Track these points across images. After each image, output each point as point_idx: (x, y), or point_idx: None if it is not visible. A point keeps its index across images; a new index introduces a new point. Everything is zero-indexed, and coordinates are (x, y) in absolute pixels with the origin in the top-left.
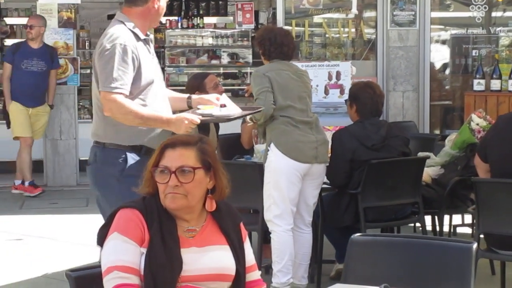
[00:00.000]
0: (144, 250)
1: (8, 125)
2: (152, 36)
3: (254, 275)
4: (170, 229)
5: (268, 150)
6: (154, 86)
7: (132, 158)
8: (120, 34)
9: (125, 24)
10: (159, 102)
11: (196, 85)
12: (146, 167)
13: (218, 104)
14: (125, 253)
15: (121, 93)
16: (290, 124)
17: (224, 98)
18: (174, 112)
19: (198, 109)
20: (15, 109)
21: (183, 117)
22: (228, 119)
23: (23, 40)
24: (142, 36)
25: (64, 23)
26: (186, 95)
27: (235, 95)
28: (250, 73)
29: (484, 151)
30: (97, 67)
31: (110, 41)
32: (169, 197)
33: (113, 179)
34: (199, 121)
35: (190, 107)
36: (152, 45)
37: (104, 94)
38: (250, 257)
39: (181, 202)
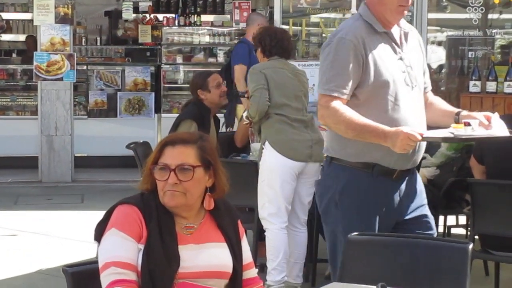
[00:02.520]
0: (141, 246)
1: None
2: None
3: (251, 272)
4: (168, 225)
5: (262, 148)
6: (389, 90)
7: (358, 178)
8: (346, 26)
9: (361, 15)
10: (396, 110)
11: (199, 84)
12: (145, 163)
13: (476, 123)
14: (122, 249)
15: (336, 97)
16: (285, 122)
17: (496, 118)
18: (429, 128)
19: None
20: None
21: (399, 131)
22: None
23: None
24: (381, 29)
25: (61, 19)
26: (456, 110)
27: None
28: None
29: (479, 153)
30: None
31: (332, 34)
32: (168, 195)
33: (332, 200)
34: (419, 138)
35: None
36: (408, 40)
37: (319, 97)
38: (247, 254)
39: (180, 200)
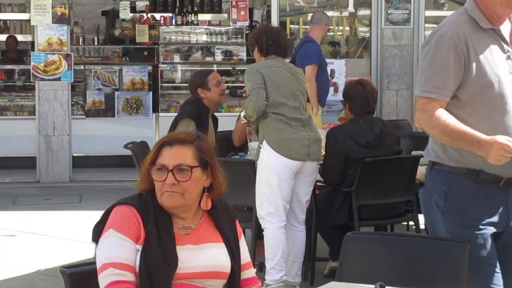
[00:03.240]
0: (139, 247)
1: None
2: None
3: (249, 272)
4: (166, 226)
5: (260, 148)
6: (494, 92)
7: (461, 185)
8: (448, 22)
9: (466, 10)
10: (502, 114)
11: (199, 82)
12: (143, 163)
13: None
14: (120, 250)
15: (434, 99)
16: (282, 121)
17: None
18: None
19: None
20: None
21: (493, 141)
22: None
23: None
24: (487, 25)
25: (58, 19)
26: None
27: (233, 95)
28: (244, 70)
29: None
30: None
31: (433, 32)
32: (165, 195)
33: (437, 210)
34: None
35: None
36: None
37: (417, 99)
38: (245, 254)
39: (178, 200)
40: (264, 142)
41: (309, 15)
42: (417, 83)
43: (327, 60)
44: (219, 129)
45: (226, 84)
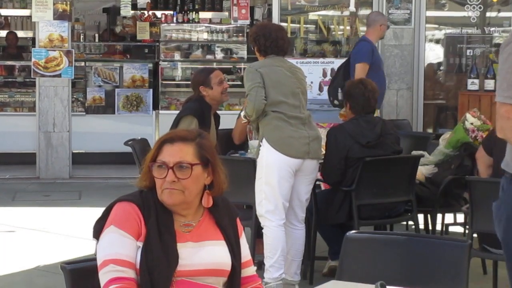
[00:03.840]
0: (140, 244)
1: None
2: None
3: (250, 270)
4: (166, 223)
5: (260, 146)
6: None
7: None
8: None
9: None
10: None
11: (202, 80)
12: (144, 160)
13: None
14: (121, 246)
15: None
16: (282, 119)
17: None
18: None
19: None
20: None
21: None
22: None
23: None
24: None
25: (59, 16)
26: None
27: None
28: (244, 68)
29: (490, 145)
30: None
31: None
32: (166, 193)
33: None
34: None
35: None
36: None
37: (498, 106)
38: (246, 252)
39: (178, 197)
40: (264, 140)
41: (310, 14)
42: (498, 89)
43: (328, 59)
44: (219, 127)
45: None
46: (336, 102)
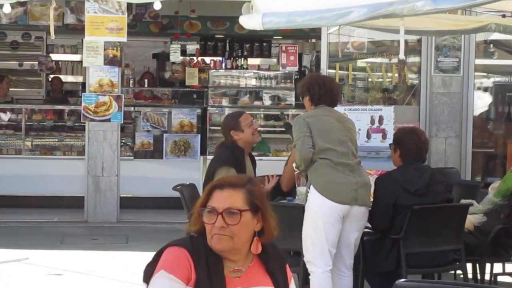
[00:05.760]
0: None
1: None
2: None
3: None
4: (216, 268)
5: (308, 192)
6: None
7: None
8: None
9: None
10: None
11: (232, 124)
12: (194, 205)
13: None
14: None
15: None
16: (329, 166)
17: None
18: None
19: None
20: None
21: None
22: None
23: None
24: None
25: (110, 61)
26: None
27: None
28: (292, 115)
29: None
30: None
31: None
32: (215, 238)
33: None
34: None
35: None
36: None
37: None
38: None
39: (227, 243)
40: (311, 186)
41: (358, 61)
42: None
43: (376, 106)
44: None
45: (274, 129)
46: None
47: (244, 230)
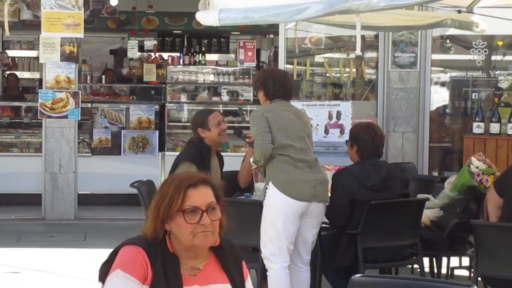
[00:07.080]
0: None
1: None
2: None
3: None
4: (173, 267)
5: (267, 188)
6: None
7: None
8: None
9: None
10: None
11: (200, 122)
12: (153, 208)
13: None
14: None
15: None
16: (288, 162)
17: None
18: None
19: None
20: None
21: None
22: None
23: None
24: None
25: (67, 57)
26: None
27: (238, 134)
28: (251, 110)
29: (502, 185)
30: None
31: None
32: (200, 236)
33: None
34: None
35: None
36: None
37: None
38: None
39: (211, 239)
40: (270, 183)
41: (316, 57)
42: None
43: (333, 102)
44: (225, 169)
45: (232, 124)
46: None
47: (218, 223)
